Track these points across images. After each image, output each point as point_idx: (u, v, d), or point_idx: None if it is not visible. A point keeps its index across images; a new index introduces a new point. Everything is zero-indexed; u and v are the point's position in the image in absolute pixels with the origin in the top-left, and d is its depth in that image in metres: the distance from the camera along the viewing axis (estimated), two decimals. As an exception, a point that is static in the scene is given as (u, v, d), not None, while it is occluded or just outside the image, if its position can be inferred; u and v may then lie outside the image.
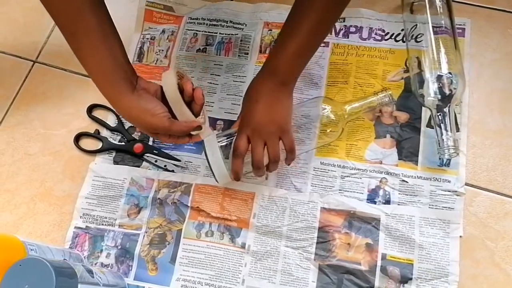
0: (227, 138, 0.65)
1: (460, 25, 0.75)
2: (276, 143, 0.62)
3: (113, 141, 0.76)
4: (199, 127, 0.59)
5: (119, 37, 0.58)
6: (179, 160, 0.73)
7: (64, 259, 0.63)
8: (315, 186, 0.70)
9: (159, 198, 0.71)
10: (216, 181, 0.65)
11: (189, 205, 0.70)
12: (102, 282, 0.59)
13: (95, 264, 0.69)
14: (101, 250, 0.70)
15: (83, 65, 0.57)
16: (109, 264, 0.69)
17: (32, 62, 0.85)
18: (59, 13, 0.54)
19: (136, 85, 0.58)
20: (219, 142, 0.64)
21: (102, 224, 0.71)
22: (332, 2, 0.58)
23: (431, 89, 0.68)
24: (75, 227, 0.71)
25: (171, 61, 0.80)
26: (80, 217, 0.72)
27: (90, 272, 0.57)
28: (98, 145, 0.76)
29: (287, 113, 0.63)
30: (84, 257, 0.69)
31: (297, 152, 0.65)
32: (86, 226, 0.71)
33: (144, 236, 0.69)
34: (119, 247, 0.69)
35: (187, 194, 0.71)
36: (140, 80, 0.59)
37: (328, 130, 0.68)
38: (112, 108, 0.77)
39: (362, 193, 0.68)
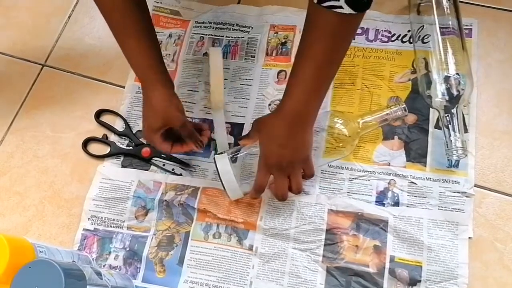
0: (235, 153, 0.67)
1: (467, 25, 0.75)
2: (299, 176, 0.64)
3: (121, 146, 0.77)
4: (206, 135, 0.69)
5: (156, 39, 0.67)
6: (187, 164, 0.74)
7: (73, 261, 0.63)
8: (323, 189, 0.69)
9: (165, 200, 0.71)
10: (228, 197, 0.66)
11: (195, 207, 0.70)
12: (110, 284, 0.59)
13: (104, 266, 0.69)
14: (110, 252, 0.70)
15: (127, 59, 0.66)
16: (117, 266, 0.69)
17: (40, 66, 0.86)
18: (105, 14, 0.63)
19: (171, 86, 0.67)
20: (228, 156, 0.65)
21: (110, 226, 0.71)
22: (337, 36, 0.57)
23: (438, 90, 0.68)
24: (84, 229, 0.72)
25: (179, 65, 0.81)
26: (88, 219, 0.72)
27: (98, 274, 0.57)
28: (106, 149, 0.76)
29: (309, 147, 0.64)
30: (93, 259, 0.69)
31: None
32: (95, 228, 0.72)
33: (152, 238, 0.70)
34: (127, 249, 0.70)
35: (194, 196, 0.71)
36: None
37: (341, 144, 0.68)
38: (119, 112, 0.78)
39: (371, 195, 0.68)
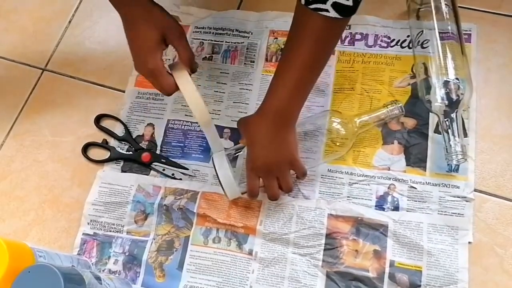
0: (235, 151, 0.66)
1: (466, 30, 0.75)
2: (287, 176, 0.64)
3: (121, 151, 0.76)
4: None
5: None
6: (186, 169, 0.74)
7: (73, 265, 0.63)
8: (323, 194, 0.69)
9: (165, 205, 0.71)
10: (226, 196, 0.66)
11: (195, 211, 0.70)
12: (110, 288, 0.59)
13: (103, 270, 0.69)
14: (109, 257, 0.70)
15: None
16: (116, 271, 0.69)
17: (41, 70, 0.86)
18: None
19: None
20: (227, 154, 0.65)
21: (110, 231, 0.71)
22: (322, 39, 0.57)
23: (438, 94, 0.68)
24: (83, 234, 0.72)
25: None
26: (88, 223, 0.72)
27: (98, 278, 0.57)
28: (106, 154, 0.76)
29: (294, 147, 0.64)
30: (92, 263, 0.69)
31: (305, 161, 0.65)
32: (94, 232, 0.71)
33: (152, 242, 0.69)
34: (127, 254, 0.69)
35: (193, 201, 0.71)
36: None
37: (337, 144, 0.68)
38: (119, 117, 0.78)
39: (371, 200, 0.68)
